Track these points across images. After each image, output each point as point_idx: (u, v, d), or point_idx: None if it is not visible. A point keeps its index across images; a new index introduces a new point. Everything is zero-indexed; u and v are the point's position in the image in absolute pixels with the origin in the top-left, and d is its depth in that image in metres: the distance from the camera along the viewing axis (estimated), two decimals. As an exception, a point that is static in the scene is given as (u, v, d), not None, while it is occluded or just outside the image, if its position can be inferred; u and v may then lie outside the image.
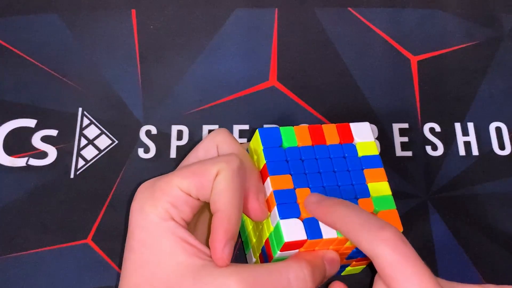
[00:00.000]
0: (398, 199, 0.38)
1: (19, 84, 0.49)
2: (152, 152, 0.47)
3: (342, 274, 0.41)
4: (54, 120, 0.47)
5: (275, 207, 0.36)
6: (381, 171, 0.38)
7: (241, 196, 0.35)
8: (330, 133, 0.39)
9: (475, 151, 0.47)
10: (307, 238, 0.35)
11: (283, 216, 0.36)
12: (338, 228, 0.35)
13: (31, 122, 0.47)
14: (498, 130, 0.48)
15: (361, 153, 0.39)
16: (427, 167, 0.47)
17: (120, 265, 0.41)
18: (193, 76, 0.50)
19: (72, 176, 0.45)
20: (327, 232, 0.36)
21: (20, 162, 0.46)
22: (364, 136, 0.39)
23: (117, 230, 0.43)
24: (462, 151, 0.47)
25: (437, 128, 0.48)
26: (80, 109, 0.48)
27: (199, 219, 0.39)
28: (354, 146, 0.39)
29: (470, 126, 0.48)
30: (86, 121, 0.47)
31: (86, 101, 0.48)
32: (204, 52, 0.51)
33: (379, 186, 0.38)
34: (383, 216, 0.36)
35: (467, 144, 0.47)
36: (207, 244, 0.35)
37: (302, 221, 0.36)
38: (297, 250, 0.36)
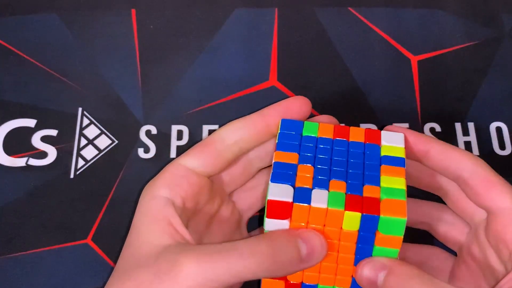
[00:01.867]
0: (398, 199, 0.38)
1: (19, 84, 0.49)
2: (152, 152, 0.47)
3: None
4: (54, 120, 0.47)
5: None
6: (401, 170, 0.35)
7: None
8: (357, 134, 0.37)
9: (475, 151, 0.47)
10: (293, 201, 0.33)
11: (274, 179, 0.34)
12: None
13: (31, 122, 0.47)
14: (499, 130, 0.48)
15: (384, 153, 0.36)
16: (427, 167, 0.47)
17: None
18: (193, 76, 0.50)
19: (72, 176, 0.45)
20: (318, 201, 0.33)
21: (20, 162, 0.46)
22: (393, 142, 0.36)
23: (117, 230, 0.43)
24: (462, 151, 0.47)
25: (437, 128, 0.48)
26: (80, 109, 0.48)
27: (212, 225, 0.39)
28: (378, 147, 0.36)
29: (471, 126, 0.48)
30: (86, 121, 0.47)
31: (86, 101, 0.48)
32: (204, 52, 0.51)
33: (394, 181, 0.34)
34: (389, 203, 0.33)
35: (468, 144, 0.47)
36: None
37: (294, 188, 0.33)
38: (286, 223, 0.33)
